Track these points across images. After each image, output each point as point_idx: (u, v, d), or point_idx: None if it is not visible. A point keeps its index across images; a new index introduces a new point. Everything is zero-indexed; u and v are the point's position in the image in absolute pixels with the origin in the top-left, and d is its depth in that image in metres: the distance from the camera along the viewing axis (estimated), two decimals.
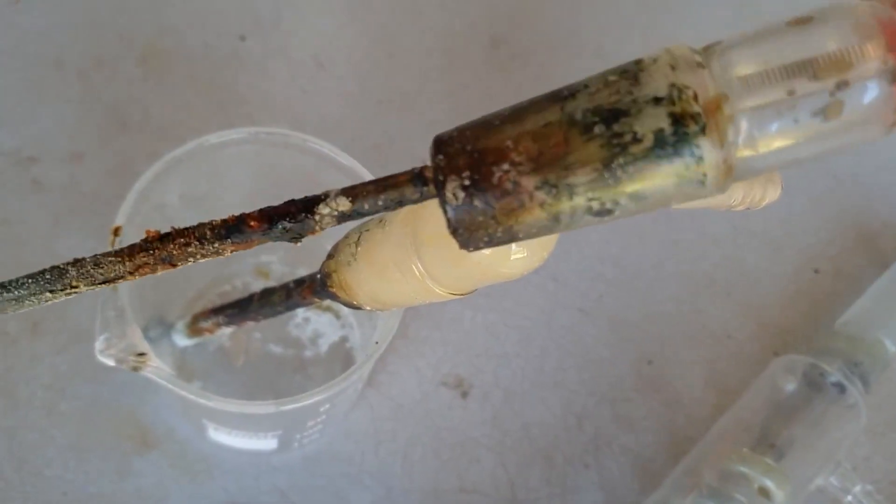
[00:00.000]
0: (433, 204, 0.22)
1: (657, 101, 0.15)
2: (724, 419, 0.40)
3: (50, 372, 0.38)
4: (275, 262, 0.41)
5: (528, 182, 0.16)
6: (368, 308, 0.25)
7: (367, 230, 0.24)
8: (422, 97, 0.49)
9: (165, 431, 0.37)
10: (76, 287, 0.20)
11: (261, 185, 0.33)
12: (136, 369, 0.26)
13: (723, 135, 0.15)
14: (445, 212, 0.17)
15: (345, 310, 0.41)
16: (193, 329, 0.35)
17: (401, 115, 0.48)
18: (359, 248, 0.24)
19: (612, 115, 0.15)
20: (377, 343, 0.28)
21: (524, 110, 0.16)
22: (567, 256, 0.45)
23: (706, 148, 0.15)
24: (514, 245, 0.21)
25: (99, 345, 0.26)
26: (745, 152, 0.15)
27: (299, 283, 0.29)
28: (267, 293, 0.31)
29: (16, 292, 0.20)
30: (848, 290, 0.46)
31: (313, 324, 0.40)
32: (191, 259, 0.19)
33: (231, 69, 0.47)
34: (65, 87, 0.45)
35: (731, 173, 0.15)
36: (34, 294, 0.20)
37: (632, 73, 0.15)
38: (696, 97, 0.15)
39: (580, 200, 0.16)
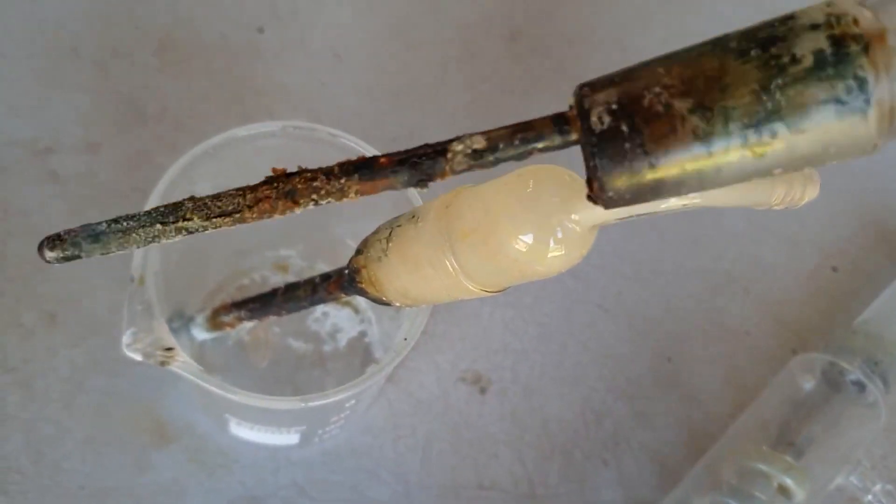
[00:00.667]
0: (469, 198, 0.22)
1: (815, 27, 0.14)
2: (744, 417, 0.40)
3: (67, 364, 0.38)
4: (294, 256, 0.40)
5: (681, 105, 0.15)
6: (398, 304, 0.25)
7: (399, 226, 0.24)
8: (440, 89, 0.48)
9: (184, 425, 0.37)
10: (190, 219, 0.19)
11: None
12: (163, 364, 0.26)
13: (889, 62, 0.14)
14: (589, 142, 0.16)
15: (364, 305, 0.40)
16: (214, 323, 0.35)
17: (419, 108, 0.47)
18: (390, 244, 0.24)
19: (769, 41, 0.15)
20: (406, 339, 0.28)
21: (674, 54, 0.16)
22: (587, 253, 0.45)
23: (870, 72, 0.14)
24: (552, 242, 0.21)
25: (126, 339, 0.26)
26: None
27: (325, 277, 0.29)
28: (291, 288, 0.31)
29: (125, 224, 0.20)
30: (866, 288, 0.46)
31: (332, 318, 0.40)
32: (314, 196, 0.19)
33: (248, 61, 0.47)
34: (81, 77, 0.45)
35: (894, 118, 0.14)
36: (143, 226, 0.20)
37: (785, 15, 0.15)
38: (856, 22, 0.14)
39: (735, 128, 0.15)
